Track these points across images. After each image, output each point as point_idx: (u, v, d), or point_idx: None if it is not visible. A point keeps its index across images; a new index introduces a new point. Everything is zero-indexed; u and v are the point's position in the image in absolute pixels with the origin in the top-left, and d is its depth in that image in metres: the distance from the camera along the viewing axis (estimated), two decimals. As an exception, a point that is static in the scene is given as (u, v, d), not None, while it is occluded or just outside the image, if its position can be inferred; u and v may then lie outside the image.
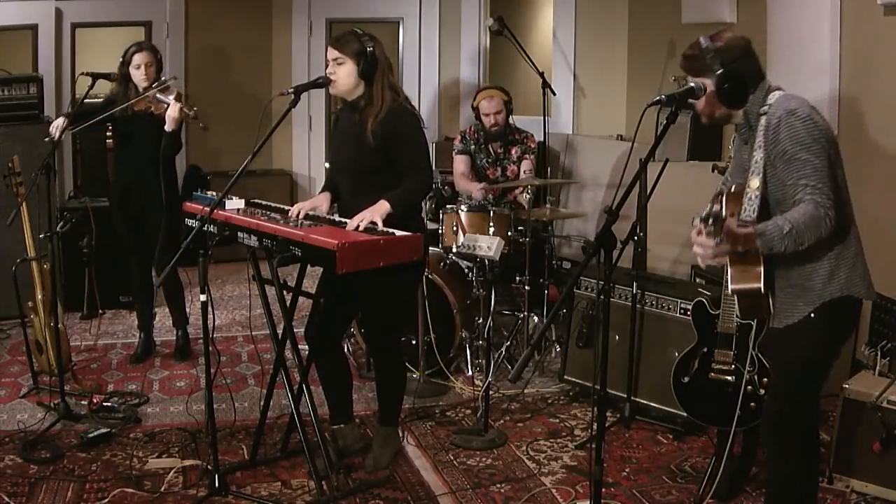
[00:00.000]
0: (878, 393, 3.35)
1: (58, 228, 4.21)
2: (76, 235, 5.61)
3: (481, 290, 4.71)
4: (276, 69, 7.54)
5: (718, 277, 3.83)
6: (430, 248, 4.35)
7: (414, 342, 4.61)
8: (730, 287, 2.71)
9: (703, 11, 5.44)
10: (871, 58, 4.21)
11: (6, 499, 3.32)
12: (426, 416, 4.25)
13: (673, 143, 5.25)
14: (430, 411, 4.31)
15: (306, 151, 7.71)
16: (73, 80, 6.57)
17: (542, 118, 6.14)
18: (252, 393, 4.51)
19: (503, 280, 5.15)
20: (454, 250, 4.70)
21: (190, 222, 3.79)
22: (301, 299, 3.73)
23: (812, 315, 2.66)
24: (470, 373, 4.73)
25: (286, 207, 3.66)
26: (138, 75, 4.57)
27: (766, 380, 3.34)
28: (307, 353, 3.80)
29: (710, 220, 2.50)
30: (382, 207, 3.37)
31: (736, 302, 2.84)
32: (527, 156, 5.44)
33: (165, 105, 4.45)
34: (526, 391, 4.57)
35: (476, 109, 5.44)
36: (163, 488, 3.45)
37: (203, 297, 3.26)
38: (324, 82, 3.49)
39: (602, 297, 3.13)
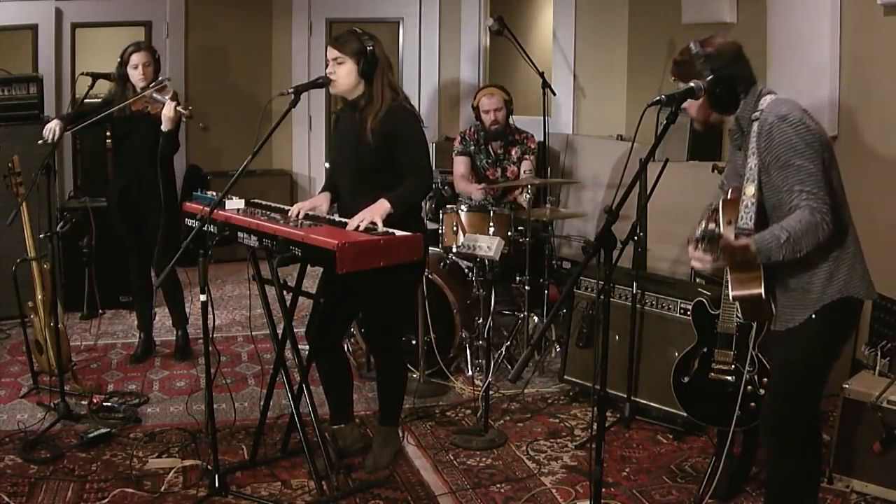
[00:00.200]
0: (878, 393, 3.35)
1: (58, 228, 4.21)
2: (76, 235, 5.61)
3: (481, 290, 4.71)
4: (276, 69, 7.54)
5: (718, 278, 3.83)
6: (430, 248, 4.35)
7: (414, 342, 4.61)
8: (730, 294, 2.71)
9: (703, 11, 5.44)
10: (872, 58, 4.21)
11: (6, 499, 3.32)
12: (426, 416, 4.25)
13: (673, 143, 5.25)
14: (430, 411, 4.31)
15: (306, 151, 7.71)
16: (73, 80, 6.57)
17: (542, 118, 6.14)
18: (252, 393, 4.51)
19: (503, 280, 5.15)
20: (454, 250, 4.70)
21: (190, 222, 3.79)
22: (301, 299, 3.73)
23: (813, 317, 2.66)
24: (470, 373, 4.73)
25: (286, 207, 3.66)
26: (136, 75, 4.58)
27: (766, 380, 3.34)
28: (307, 353, 3.80)
29: (706, 240, 2.50)
30: (382, 207, 3.37)
31: (738, 307, 2.84)
32: (527, 156, 5.44)
33: (162, 105, 4.46)
34: (526, 391, 4.57)
35: (476, 109, 5.45)
36: (163, 488, 3.45)
37: (203, 297, 3.26)
38: (324, 82, 3.49)
39: (602, 297, 3.13)
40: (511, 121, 5.48)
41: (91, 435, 3.82)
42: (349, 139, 3.55)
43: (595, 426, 2.61)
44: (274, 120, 3.52)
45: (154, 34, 7.08)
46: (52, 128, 4.38)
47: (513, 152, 5.45)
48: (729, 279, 2.70)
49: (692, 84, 2.63)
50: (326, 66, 3.49)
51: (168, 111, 4.42)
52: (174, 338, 5.09)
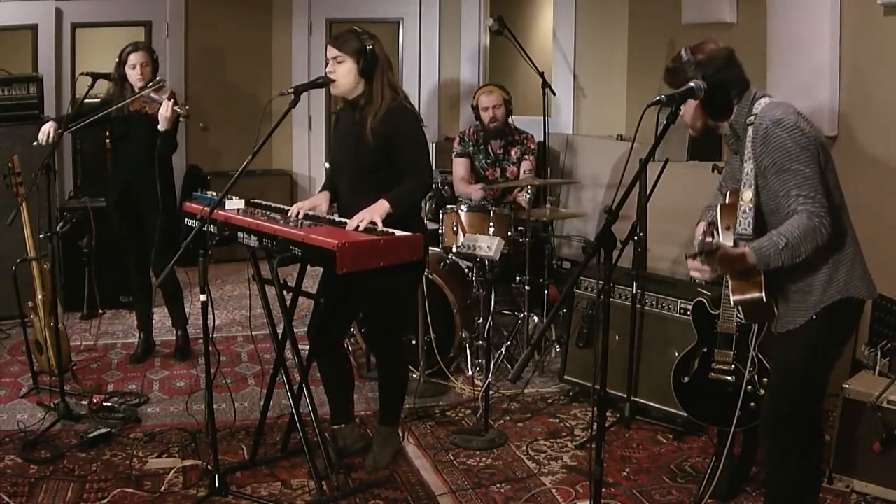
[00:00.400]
0: (878, 393, 3.35)
1: (58, 228, 4.21)
2: (76, 235, 5.61)
3: (481, 290, 4.71)
4: (276, 69, 7.54)
5: (718, 278, 3.83)
6: (430, 248, 4.35)
7: (414, 342, 4.61)
8: (731, 299, 2.71)
9: (703, 11, 5.44)
10: (872, 58, 4.21)
11: (6, 499, 3.32)
12: (426, 416, 4.25)
13: (673, 143, 5.24)
14: (430, 411, 4.31)
15: (306, 151, 7.71)
16: (73, 80, 6.57)
17: (542, 118, 6.14)
18: (252, 393, 4.51)
19: (503, 280, 5.15)
20: (454, 250, 4.70)
21: (190, 222, 3.79)
22: (301, 299, 3.73)
23: (814, 318, 2.66)
24: (470, 373, 4.73)
25: (286, 207, 3.65)
26: (134, 75, 4.58)
27: (766, 380, 3.34)
28: (307, 352, 3.80)
29: (704, 254, 2.50)
30: (382, 207, 3.37)
31: (740, 310, 2.83)
32: (527, 156, 5.44)
33: (159, 104, 4.46)
34: (526, 391, 4.57)
35: (475, 108, 5.44)
36: (163, 488, 3.45)
37: (203, 297, 3.26)
38: (324, 82, 3.49)
39: (602, 297, 3.13)
40: (511, 121, 5.48)
41: (91, 435, 3.82)
42: (349, 139, 3.55)
43: (595, 426, 2.61)
44: (274, 120, 3.52)
45: (154, 34, 7.08)
46: (46, 130, 4.38)
47: (512, 152, 5.45)
48: (729, 285, 2.71)
49: (692, 84, 2.62)
50: (326, 65, 3.49)
51: (165, 111, 4.42)
52: (174, 338, 5.09)
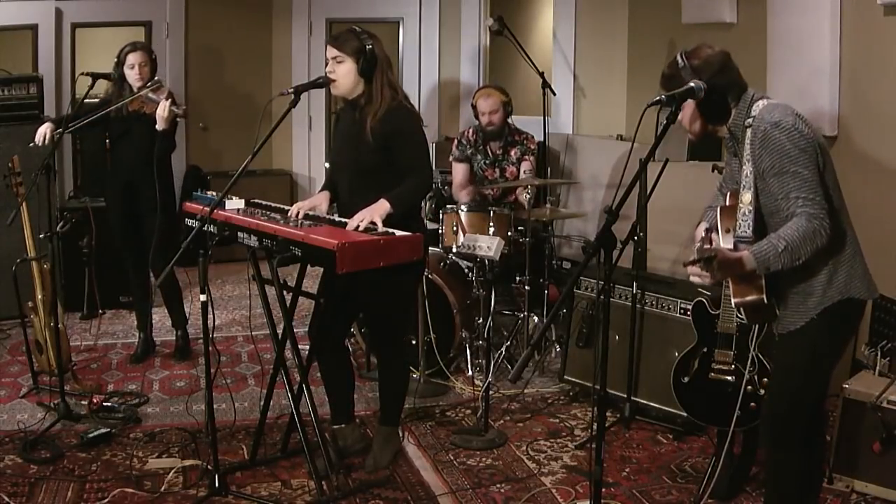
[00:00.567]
0: (878, 393, 3.35)
1: (58, 228, 4.21)
2: (76, 235, 5.62)
3: (481, 290, 4.71)
4: (276, 69, 7.54)
5: (719, 281, 3.83)
6: (430, 248, 4.35)
7: (414, 342, 4.61)
8: (732, 301, 2.71)
9: (703, 11, 5.44)
10: (872, 58, 4.21)
11: (6, 499, 3.32)
12: (426, 416, 4.25)
13: (673, 143, 5.23)
14: (430, 411, 4.31)
15: (306, 151, 7.71)
16: (73, 80, 6.57)
17: (542, 118, 6.14)
18: (252, 393, 4.51)
19: (503, 280, 5.15)
20: (454, 250, 4.70)
21: (190, 222, 3.79)
22: (301, 299, 3.73)
23: (815, 319, 2.66)
24: (470, 373, 4.73)
25: (286, 207, 3.65)
26: (132, 75, 4.58)
27: (766, 380, 3.34)
28: (307, 352, 3.80)
29: (703, 261, 2.51)
30: (382, 207, 3.37)
31: (742, 312, 2.84)
32: (527, 157, 5.43)
33: (157, 104, 4.46)
34: (526, 391, 4.57)
35: (474, 108, 5.44)
36: (163, 488, 3.45)
37: (203, 297, 3.26)
38: (324, 82, 3.49)
39: (602, 297, 3.13)
40: (510, 121, 5.47)
41: (91, 435, 3.82)
42: (349, 139, 3.55)
43: (595, 426, 2.61)
44: (274, 120, 3.52)
45: (154, 34, 7.08)
46: (42, 132, 4.39)
47: (512, 153, 5.44)
48: (730, 287, 2.71)
49: (692, 84, 2.63)
50: (326, 65, 3.49)
51: (162, 111, 4.42)
52: (174, 338, 5.09)
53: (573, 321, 4.45)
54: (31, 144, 4.41)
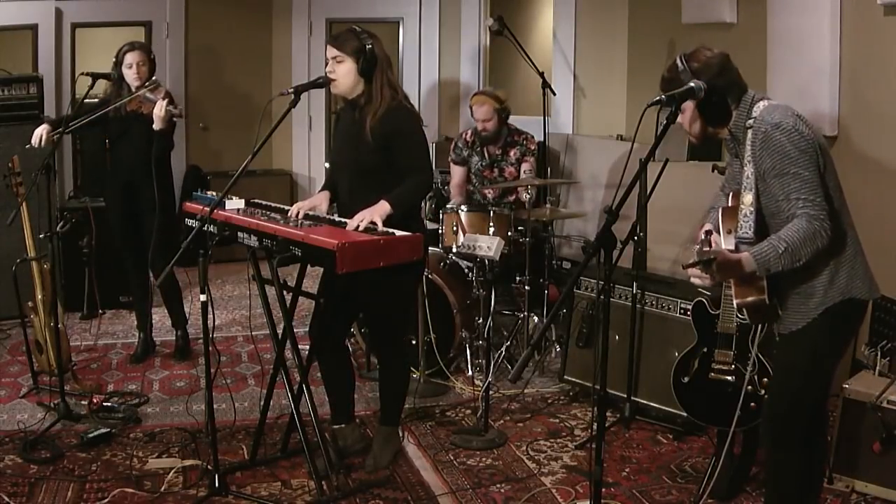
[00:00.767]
0: (878, 393, 3.35)
1: (58, 228, 4.21)
2: (76, 235, 5.62)
3: (481, 290, 4.71)
4: (276, 69, 7.54)
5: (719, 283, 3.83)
6: (430, 248, 4.35)
7: (414, 342, 4.61)
8: (734, 302, 2.72)
9: (703, 11, 5.44)
10: (872, 58, 4.21)
11: (6, 499, 3.32)
12: (426, 416, 4.25)
13: (673, 143, 5.23)
14: (430, 411, 4.31)
15: (306, 151, 7.71)
16: (73, 80, 6.58)
17: (542, 118, 6.14)
18: (252, 393, 4.51)
19: (503, 280, 5.15)
20: (454, 250, 4.70)
21: (190, 222, 3.79)
22: (301, 299, 3.73)
23: (816, 319, 2.66)
24: (470, 373, 4.73)
25: (286, 207, 3.66)
26: (130, 74, 4.58)
27: (766, 380, 3.34)
28: (307, 352, 3.80)
29: (702, 264, 2.51)
30: (383, 208, 3.37)
31: (745, 312, 2.84)
32: (527, 157, 5.42)
33: (154, 104, 4.46)
34: (526, 391, 4.57)
35: (471, 109, 5.43)
36: (163, 488, 3.45)
37: (203, 297, 3.26)
38: (324, 82, 3.49)
39: (602, 297, 3.13)
40: (509, 122, 5.45)
41: (91, 435, 3.82)
42: (349, 139, 3.55)
43: (595, 426, 2.61)
44: (274, 120, 3.52)
45: (154, 34, 7.08)
46: (39, 133, 4.39)
47: (511, 154, 5.44)
48: (732, 288, 2.71)
49: (692, 84, 2.63)
50: (326, 65, 3.49)
51: (158, 110, 4.42)
52: (174, 338, 5.09)
53: (573, 321, 4.45)
54: (28, 146, 4.42)
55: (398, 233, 3.31)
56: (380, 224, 3.33)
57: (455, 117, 7.56)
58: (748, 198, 2.63)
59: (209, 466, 3.44)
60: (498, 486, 3.57)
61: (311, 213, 3.57)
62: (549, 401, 4.48)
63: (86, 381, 4.57)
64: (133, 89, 4.57)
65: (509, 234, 4.73)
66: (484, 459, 3.81)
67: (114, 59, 4.63)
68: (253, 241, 3.43)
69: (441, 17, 7.57)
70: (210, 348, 3.41)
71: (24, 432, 3.92)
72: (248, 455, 3.72)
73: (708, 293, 3.61)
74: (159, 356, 5.05)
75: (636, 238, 4.10)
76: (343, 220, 3.45)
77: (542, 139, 6.03)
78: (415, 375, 4.49)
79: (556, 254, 5.92)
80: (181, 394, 4.48)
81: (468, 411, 4.33)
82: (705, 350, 3.52)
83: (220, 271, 6.64)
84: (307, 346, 3.91)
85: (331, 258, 3.08)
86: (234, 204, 3.67)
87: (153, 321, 5.15)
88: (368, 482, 3.56)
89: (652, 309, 4.13)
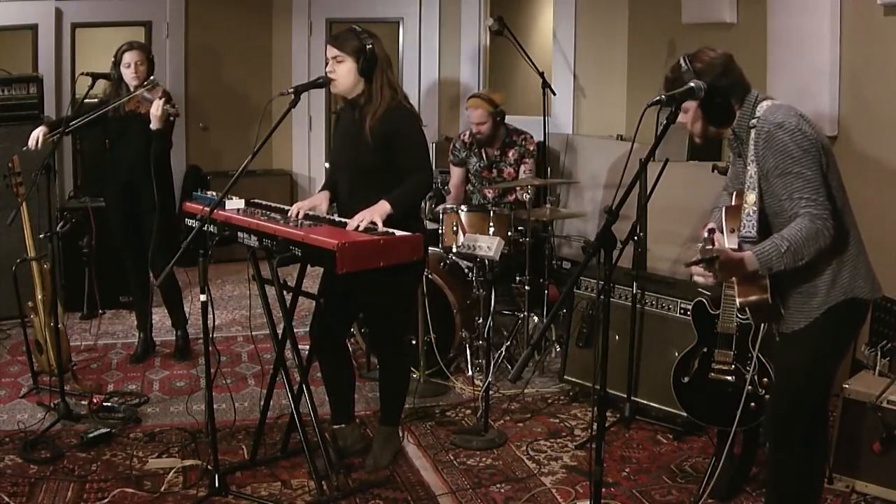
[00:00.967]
0: (878, 393, 3.35)
1: (58, 228, 4.21)
2: (76, 235, 5.62)
3: (481, 290, 4.71)
4: (276, 69, 7.54)
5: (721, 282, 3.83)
6: (430, 248, 4.35)
7: (414, 342, 4.61)
8: (737, 301, 2.72)
9: (703, 11, 5.44)
10: (872, 58, 4.21)
11: (6, 499, 3.32)
12: (426, 416, 4.25)
13: (673, 143, 5.24)
14: (430, 411, 4.31)
15: (306, 151, 7.71)
16: (73, 80, 6.58)
17: (542, 118, 6.14)
18: (252, 393, 4.51)
19: (503, 280, 5.15)
20: (454, 250, 4.70)
21: (190, 222, 3.79)
22: (301, 299, 3.73)
23: (818, 319, 2.67)
24: (470, 373, 4.73)
25: (286, 207, 3.65)
26: (128, 74, 4.58)
27: (766, 380, 3.35)
28: (307, 352, 3.80)
29: (705, 262, 2.52)
30: (383, 208, 3.37)
31: (748, 312, 2.84)
32: (525, 159, 5.40)
33: (151, 103, 4.46)
34: (526, 391, 4.57)
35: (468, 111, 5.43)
36: (163, 488, 3.45)
37: (203, 297, 3.26)
38: (324, 82, 3.49)
39: (602, 297, 3.13)
40: (507, 123, 5.44)
41: (91, 435, 3.82)
42: (349, 138, 3.55)
43: (595, 426, 2.61)
44: (274, 120, 3.52)
45: (154, 34, 7.08)
46: (35, 136, 4.40)
47: (510, 154, 5.43)
48: (735, 287, 2.71)
49: (692, 84, 2.63)
50: (326, 65, 3.49)
51: (155, 110, 4.42)
52: (174, 338, 5.09)
53: (573, 321, 4.45)
54: (24, 149, 4.42)
55: (398, 233, 3.31)
56: (380, 224, 3.33)
57: (455, 117, 7.56)
58: (751, 197, 2.63)
59: (209, 466, 3.44)
60: (498, 486, 3.57)
61: (311, 213, 3.57)
62: (549, 401, 4.48)
63: (86, 381, 4.57)
64: (132, 89, 4.57)
65: (509, 234, 4.73)
66: (484, 459, 3.81)
67: (112, 59, 4.63)
68: (253, 241, 3.43)
69: (441, 17, 7.57)
70: (210, 348, 3.41)
71: (24, 432, 3.92)
72: (248, 455, 3.72)
73: (708, 293, 3.61)
74: (159, 356, 5.05)
75: (636, 238, 4.10)
76: (343, 220, 3.45)
77: (542, 139, 6.03)
78: (415, 375, 4.49)
79: (556, 254, 5.92)
80: (181, 394, 4.48)
81: (468, 411, 4.33)
82: (705, 350, 3.52)
83: (220, 271, 6.64)
84: (307, 346, 3.91)
85: (331, 258, 3.08)
86: (234, 204, 3.67)
87: (153, 321, 5.15)
88: (368, 482, 3.56)
89: (652, 309, 4.13)
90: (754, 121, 2.64)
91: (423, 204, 4.64)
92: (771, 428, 2.82)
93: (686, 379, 3.56)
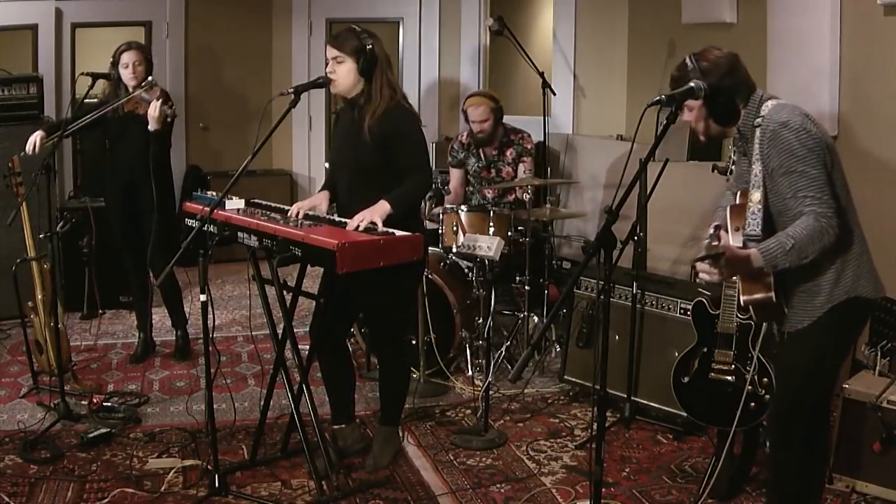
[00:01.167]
0: (878, 393, 3.35)
1: (58, 228, 4.21)
2: (76, 235, 5.62)
3: (481, 290, 4.71)
4: (276, 69, 7.54)
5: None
6: (430, 248, 4.34)
7: (414, 342, 4.61)
8: (741, 299, 2.72)
9: (703, 11, 5.44)
10: (872, 58, 4.21)
11: (6, 499, 3.32)
12: (426, 416, 4.25)
13: (673, 143, 5.25)
14: (430, 411, 4.31)
15: (306, 151, 7.71)
16: (73, 80, 6.58)
17: (542, 118, 6.14)
18: (252, 393, 4.51)
19: (503, 280, 5.15)
20: (454, 250, 4.70)
21: (190, 222, 3.79)
22: (301, 299, 3.73)
23: (822, 318, 2.67)
24: (470, 373, 4.73)
25: (286, 207, 3.66)
26: (127, 74, 4.58)
27: (765, 380, 3.35)
28: (307, 352, 3.80)
29: (711, 259, 2.53)
30: (382, 208, 3.37)
31: (751, 310, 2.84)
32: (524, 158, 5.40)
33: (149, 104, 4.46)
34: (526, 391, 4.57)
35: (465, 113, 5.41)
36: (163, 488, 3.45)
37: (203, 297, 3.26)
38: (324, 82, 3.49)
39: (602, 297, 3.13)
40: (504, 122, 5.44)
41: (91, 435, 3.82)
42: (348, 138, 3.55)
43: (595, 426, 2.61)
44: (274, 120, 3.52)
45: (154, 34, 7.08)
46: (32, 141, 4.40)
47: (508, 153, 5.42)
48: (739, 285, 2.72)
49: (692, 84, 2.64)
50: (326, 65, 3.49)
51: (153, 111, 4.42)
52: (174, 338, 5.09)
53: (573, 321, 4.45)
54: (21, 154, 4.41)
55: (398, 233, 3.31)
56: (380, 224, 3.33)
57: (455, 117, 7.55)
58: (756, 195, 2.64)
59: (209, 466, 3.44)
60: (498, 486, 3.57)
61: (310, 213, 3.57)
62: (549, 401, 4.48)
63: (86, 381, 4.58)
64: (130, 89, 4.57)
65: (509, 234, 4.73)
66: (484, 459, 3.81)
67: (111, 60, 4.63)
68: (253, 241, 3.43)
69: (441, 17, 7.56)
70: (210, 348, 3.41)
71: (24, 432, 3.92)
72: (248, 455, 3.72)
73: (708, 293, 3.61)
74: (159, 356, 5.05)
75: (636, 238, 4.10)
76: (343, 220, 3.45)
77: (542, 139, 6.02)
78: (415, 375, 4.49)
79: (556, 254, 5.92)
80: (181, 394, 4.48)
81: (468, 411, 4.33)
82: (705, 350, 3.52)
83: (220, 271, 6.64)
84: (307, 346, 3.91)
85: (331, 258, 3.08)
86: (234, 204, 3.67)
87: (153, 321, 5.15)
88: (368, 482, 3.56)
89: (652, 309, 4.13)
90: (759, 120, 2.64)
91: (422, 204, 4.65)
92: (773, 427, 2.82)
93: (686, 379, 3.56)
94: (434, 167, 5.64)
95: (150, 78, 4.57)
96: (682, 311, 3.99)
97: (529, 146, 5.43)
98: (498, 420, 4.20)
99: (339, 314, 3.71)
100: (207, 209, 3.39)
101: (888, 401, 3.32)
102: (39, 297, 4.36)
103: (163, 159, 4.71)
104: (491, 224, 4.69)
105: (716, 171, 3.91)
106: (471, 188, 5.54)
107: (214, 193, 3.75)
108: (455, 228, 4.71)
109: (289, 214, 3.55)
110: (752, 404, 3.35)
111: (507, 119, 5.49)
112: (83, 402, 4.21)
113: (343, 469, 3.58)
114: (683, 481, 3.58)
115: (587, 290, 4.39)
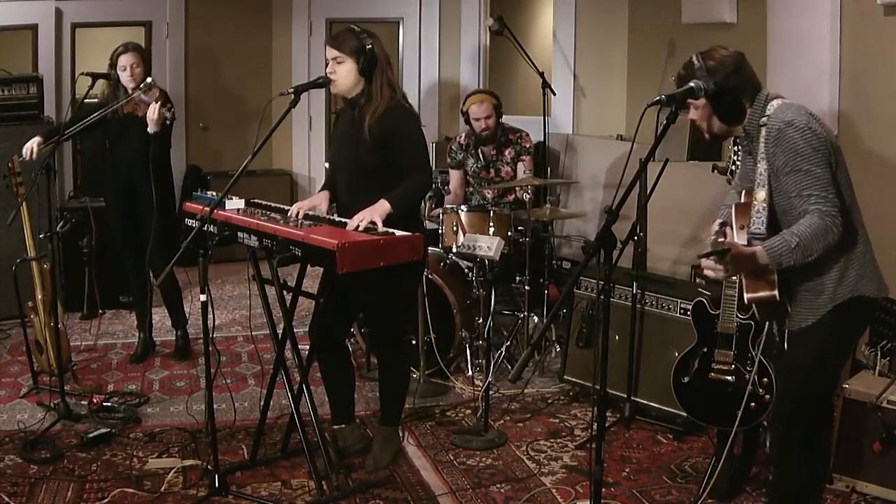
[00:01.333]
0: (878, 393, 3.35)
1: (58, 228, 4.21)
2: (76, 235, 5.62)
3: (481, 290, 4.71)
4: (276, 69, 7.54)
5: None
6: (430, 248, 4.34)
7: (414, 342, 4.61)
8: (745, 297, 2.72)
9: (703, 11, 5.44)
10: (872, 58, 4.21)
11: (6, 499, 3.32)
12: (426, 416, 4.25)
13: (673, 143, 5.25)
14: (430, 411, 4.31)
15: (306, 151, 7.71)
16: (73, 80, 6.58)
17: (542, 118, 6.14)
18: (252, 393, 4.51)
19: (503, 280, 5.15)
20: (454, 250, 4.70)
21: (190, 222, 3.79)
22: (301, 299, 3.73)
23: (825, 316, 2.67)
24: (470, 373, 4.73)
25: (286, 207, 3.65)
26: (125, 76, 4.57)
27: (765, 379, 3.35)
28: (307, 352, 3.80)
29: (716, 255, 2.53)
30: (382, 207, 3.37)
31: (755, 309, 2.85)
32: (523, 157, 5.40)
33: (148, 106, 4.45)
34: (526, 391, 4.57)
35: (466, 114, 5.40)
36: (163, 488, 3.45)
37: (203, 297, 3.26)
38: (324, 82, 3.49)
39: (602, 297, 3.13)
40: (503, 121, 5.44)
41: (91, 435, 3.82)
42: (348, 138, 3.55)
43: (595, 426, 2.61)
44: (274, 120, 3.52)
45: (154, 34, 7.08)
46: (30, 146, 4.40)
47: (506, 153, 5.42)
48: (743, 283, 2.72)
49: (692, 84, 2.64)
50: (326, 65, 3.49)
51: (151, 113, 4.41)
52: (174, 338, 5.09)
53: (573, 321, 4.45)
54: (20, 159, 4.41)
55: (398, 233, 3.31)
56: (380, 224, 3.33)
57: (455, 117, 7.55)
58: (761, 194, 2.65)
59: (209, 466, 3.44)
60: (498, 486, 3.57)
61: (310, 213, 3.57)
62: (549, 401, 4.48)
63: (86, 381, 4.58)
64: (129, 90, 4.57)
65: (509, 234, 4.73)
66: (484, 459, 3.81)
67: (109, 61, 4.63)
68: (253, 241, 3.43)
69: (441, 17, 7.57)
70: (210, 348, 3.41)
71: (24, 432, 3.92)
72: (248, 455, 3.72)
73: (708, 293, 3.61)
74: (159, 356, 5.05)
75: (636, 238, 4.10)
76: (343, 220, 3.45)
77: (542, 139, 6.02)
78: (415, 375, 4.49)
79: (556, 254, 5.92)
80: (181, 394, 4.48)
81: (468, 411, 4.33)
82: (705, 350, 3.52)
83: (220, 271, 6.64)
84: (307, 346, 3.91)
85: (331, 258, 3.08)
86: (234, 204, 3.67)
87: (153, 321, 5.15)
88: (368, 482, 3.56)
89: (652, 309, 4.13)
90: (765, 119, 2.65)
91: (422, 204, 4.65)
92: (774, 426, 2.82)
93: (686, 379, 3.56)
94: (434, 167, 5.64)
95: (148, 79, 4.56)
96: (682, 311, 3.99)
97: (528, 145, 5.43)
98: (498, 420, 4.20)
99: (339, 314, 3.71)
100: (207, 209, 3.39)
101: (888, 401, 3.32)
102: (39, 297, 4.36)
103: (163, 159, 4.71)
104: (491, 224, 4.69)
105: (716, 171, 3.91)
106: (470, 189, 5.54)
107: (214, 193, 3.75)
108: (455, 228, 4.71)
109: (289, 214, 3.55)
110: (752, 404, 3.35)
111: (507, 119, 5.50)
112: (83, 402, 4.21)
113: (343, 469, 3.58)
114: (683, 481, 3.58)
115: (587, 290, 4.39)
